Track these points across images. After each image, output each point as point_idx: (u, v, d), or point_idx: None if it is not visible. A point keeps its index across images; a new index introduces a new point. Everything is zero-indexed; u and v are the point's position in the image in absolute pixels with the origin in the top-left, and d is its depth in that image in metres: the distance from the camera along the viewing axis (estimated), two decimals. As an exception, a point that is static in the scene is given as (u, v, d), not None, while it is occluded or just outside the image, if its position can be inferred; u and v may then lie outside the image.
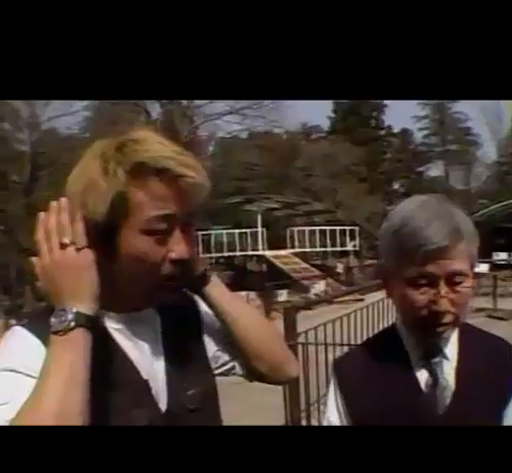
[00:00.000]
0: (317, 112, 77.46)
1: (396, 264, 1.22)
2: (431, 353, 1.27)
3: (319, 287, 20.82)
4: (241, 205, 29.35)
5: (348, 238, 27.82)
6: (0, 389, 0.96)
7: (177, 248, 1.05)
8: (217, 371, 1.27)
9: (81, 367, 0.96)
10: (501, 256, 22.70)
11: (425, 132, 52.08)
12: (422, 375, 1.27)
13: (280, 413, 4.14)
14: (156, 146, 1.04)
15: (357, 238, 28.19)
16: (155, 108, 25.57)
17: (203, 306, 1.27)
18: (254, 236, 26.70)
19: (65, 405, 0.92)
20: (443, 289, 1.18)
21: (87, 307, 1.00)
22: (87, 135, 27.91)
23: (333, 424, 1.32)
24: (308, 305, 4.43)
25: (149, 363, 1.14)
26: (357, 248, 28.33)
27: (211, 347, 1.26)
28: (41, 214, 1.04)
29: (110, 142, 1.06)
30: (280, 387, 3.84)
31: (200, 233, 25.55)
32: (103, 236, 1.03)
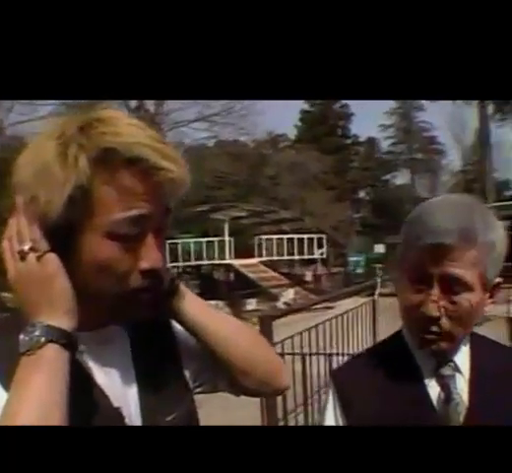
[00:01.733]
0: (284, 121, 78.18)
1: (401, 257, 1.13)
2: (443, 365, 1.16)
3: (288, 295, 20.74)
4: (208, 213, 29.23)
5: (315, 247, 27.85)
6: None
7: (149, 256, 0.87)
8: (198, 390, 1.12)
9: (55, 390, 0.81)
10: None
11: (392, 141, 52.74)
12: (434, 390, 1.16)
13: (257, 423, 4.01)
14: (128, 129, 0.84)
15: (325, 246, 28.25)
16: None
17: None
18: (221, 244, 26.57)
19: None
20: (435, 292, 1.07)
21: (60, 321, 0.84)
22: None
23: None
24: (284, 314, 4.29)
25: (119, 388, 0.96)
26: (325, 256, 28.40)
27: (189, 364, 1.09)
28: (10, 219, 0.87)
29: (71, 120, 0.85)
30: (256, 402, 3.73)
31: (167, 241, 25.37)
32: (59, 238, 0.84)
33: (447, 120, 62.41)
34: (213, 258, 26.67)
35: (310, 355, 4.42)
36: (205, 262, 27.15)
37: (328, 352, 4.60)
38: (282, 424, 4.09)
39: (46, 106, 21.98)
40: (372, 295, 6.75)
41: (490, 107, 27.54)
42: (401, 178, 52.73)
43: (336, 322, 5.38)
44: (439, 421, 1.13)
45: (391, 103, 50.89)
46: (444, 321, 1.08)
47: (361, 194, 51.07)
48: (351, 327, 5.91)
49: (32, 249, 0.84)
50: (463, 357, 1.18)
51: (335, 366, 5.08)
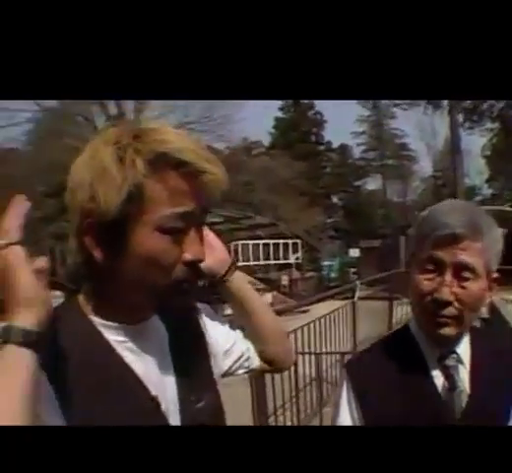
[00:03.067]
0: (258, 129, 77.92)
1: (415, 251, 1.27)
2: (448, 357, 1.29)
3: (265, 299, 20.68)
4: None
5: (290, 251, 27.91)
6: None
7: (192, 249, 0.96)
8: (241, 370, 1.28)
9: (16, 398, 0.77)
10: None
11: (364, 147, 53.02)
12: (439, 379, 1.28)
13: (248, 421, 4.16)
14: (177, 137, 0.95)
15: (300, 251, 28.31)
16: (101, 122, 25.16)
17: (202, 309, 1.23)
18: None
19: None
20: (448, 278, 1.20)
21: (22, 319, 0.80)
22: (29, 148, 27.33)
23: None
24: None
25: (157, 377, 1.04)
26: (300, 261, 28.43)
27: (219, 348, 1.22)
28: None
29: (124, 129, 0.96)
30: (248, 398, 3.90)
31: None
32: (111, 233, 0.92)
33: (418, 128, 62.94)
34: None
35: (301, 354, 4.60)
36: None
37: (315, 351, 4.76)
38: (272, 419, 4.25)
39: (22, 114, 21.80)
40: (352, 297, 6.97)
41: (460, 116, 28.07)
42: (372, 184, 53.08)
43: (318, 324, 5.59)
44: (444, 408, 1.26)
45: (363, 111, 51.23)
46: (456, 305, 1.21)
47: (334, 200, 51.26)
48: (332, 329, 6.13)
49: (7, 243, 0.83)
50: (464, 349, 1.31)
51: (323, 364, 5.23)
